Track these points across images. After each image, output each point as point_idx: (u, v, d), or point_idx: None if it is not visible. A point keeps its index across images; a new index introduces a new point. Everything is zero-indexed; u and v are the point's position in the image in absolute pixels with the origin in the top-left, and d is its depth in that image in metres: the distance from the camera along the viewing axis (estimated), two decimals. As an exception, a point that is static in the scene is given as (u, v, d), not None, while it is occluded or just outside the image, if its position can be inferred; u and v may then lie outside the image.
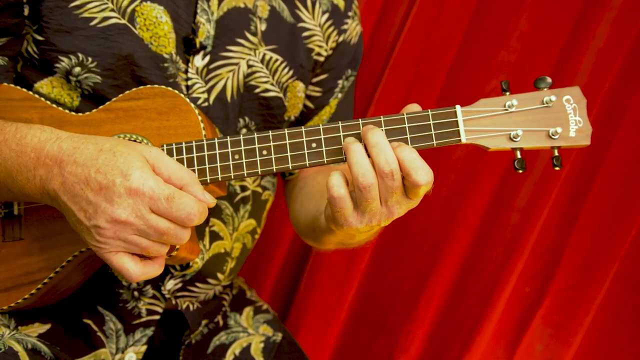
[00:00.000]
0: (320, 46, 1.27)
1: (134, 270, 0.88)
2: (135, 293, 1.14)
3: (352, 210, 0.89)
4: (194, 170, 0.96)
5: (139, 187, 0.83)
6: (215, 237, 1.21)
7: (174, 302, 1.20)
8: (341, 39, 1.30)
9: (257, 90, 1.19)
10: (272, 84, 1.21)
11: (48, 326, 1.10)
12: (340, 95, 1.35)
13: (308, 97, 1.32)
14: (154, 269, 0.90)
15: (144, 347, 1.16)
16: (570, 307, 1.71)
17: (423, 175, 0.85)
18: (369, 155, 0.88)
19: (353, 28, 1.32)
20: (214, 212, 1.21)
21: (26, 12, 1.01)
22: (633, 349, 1.68)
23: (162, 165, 0.88)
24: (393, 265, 1.84)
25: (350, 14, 1.31)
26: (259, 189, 1.30)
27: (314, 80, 1.31)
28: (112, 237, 0.85)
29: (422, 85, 1.73)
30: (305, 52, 1.25)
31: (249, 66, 1.18)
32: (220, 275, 1.25)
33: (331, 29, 1.28)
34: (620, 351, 1.70)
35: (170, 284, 1.17)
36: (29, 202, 1.03)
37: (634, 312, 1.67)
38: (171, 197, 0.84)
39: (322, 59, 1.28)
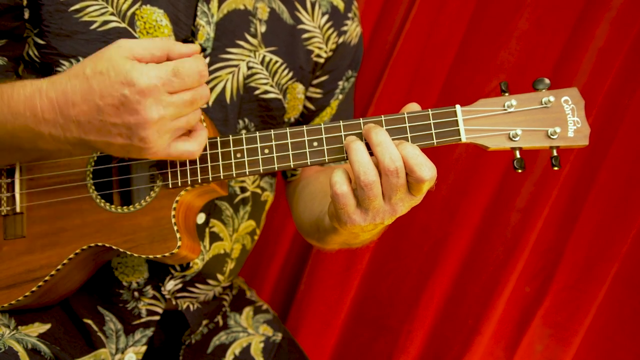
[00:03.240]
0: (320, 48, 1.27)
1: (192, 147, 0.90)
2: (135, 293, 1.15)
3: (355, 208, 0.90)
4: (195, 169, 0.97)
5: (147, 83, 0.82)
6: (215, 238, 1.22)
7: (174, 302, 1.20)
8: (341, 40, 1.30)
9: (257, 92, 1.20)
10: (271, 86, 1.21)
11: (48, 326, 1.10)
12: (341, 96, 1.35)
13: (309, 98, 1.32)
14: (202, 135, 0.92)
15: (144, 348, 1.17)
16: (570, 307, 1.71)
17: (427, 170, 0.85)
18: (370, 154, 0.89)
19: (353, 29, 1.32)
20: (214, 213, 1.21)
21: (26, 15, 1.01)
22: (633, 349, 1.68)
23: (141, 51, 0.86)
24: (393, 265, 1.84)
25: (350, 15, 1.31)
26: (259, 190, 1.30)
27: (315, 82, 1.31)
28: (158, 137, 0.85)
29: (422, 85, 1.73)
30: (305, 54, 1.25)
31: (249, 68, 1.18)
32: (220, 276, 1.25)
33: (331, 30, 1.28)
34: (620, 351, 1.70)
35: (170, 285, 1.17)
36: (31, 201, 1.04)
37: (634, 312, 1.67)
38: (176, 70, 0.84)
39: (322, 60, 1.29)
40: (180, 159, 0.91)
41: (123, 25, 1.04)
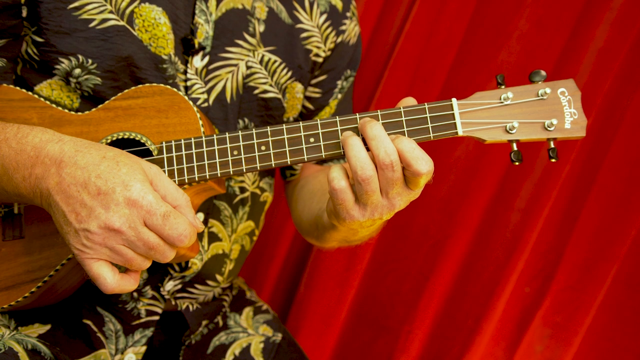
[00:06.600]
0: (318, 47, 1.27)
1: (111, 281, 0.86)
2: (135, 294, 1.15)
3: (354, 203, 0.90)
4: (192, 167, 0.97)
5: (138, 199, 0.83)
6: (213, 238, 1.21)
7: (173, 303, 1.20)
8: (340, 39, 1.30)
9: (256, 92, 1.20)
10: (270, 85, 1.21)
11: (48, 327, 1.10)
12: (340, 96, 1.35)
13: (308, 98, 1.32)
14: (130, 284, 0.89)
15: (144, 348, 1.16)
16: (570, 307, 1.71)
17: (423, 164, 0.85)
18: (367, 149, 0.88)
19: (351, 29, 1.32)
20: (213, 213, 1.21)
21: (24, 13, 1.01)
22: (633, 349, 1.68)
23: (159, 183, 0.88)
24: (393, 265, 1.84)
25: (348, 14, 1.31)
26: (258, 191, 1.30)
27: (313, 81, 1.31)
28: (99, 244, 0.84)
29: (422, 85, 1.73)
30: (304, 53, 1.25)
31: (248, 67, 1.18)
32: (219, 277, 1.25)
33: (329, 29, 1.28)
34: (620, 351, 1.70)
35: (169, 285, 1.17)
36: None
37: (634, 312, 1.68)
38: (167, 215, 0.84)
39: (320, 60, 1.28)
40: (92, 278, 0.87)
41: (122, 23, 1.04)
